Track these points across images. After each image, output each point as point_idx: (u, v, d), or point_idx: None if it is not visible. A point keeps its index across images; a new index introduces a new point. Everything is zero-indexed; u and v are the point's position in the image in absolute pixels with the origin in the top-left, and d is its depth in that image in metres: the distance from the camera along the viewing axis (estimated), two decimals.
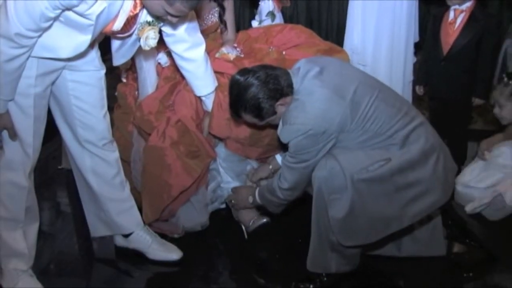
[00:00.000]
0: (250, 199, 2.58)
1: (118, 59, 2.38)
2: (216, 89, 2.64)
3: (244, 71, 2.29)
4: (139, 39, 2.19)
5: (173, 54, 2.51)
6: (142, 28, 2.16)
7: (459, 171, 2.47)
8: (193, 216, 2.75)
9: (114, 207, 2.54)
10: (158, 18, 2.13)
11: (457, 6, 2.95)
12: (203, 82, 2.59)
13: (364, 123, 2.18)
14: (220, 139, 2.75)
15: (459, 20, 2.96)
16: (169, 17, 2.06)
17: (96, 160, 2.44)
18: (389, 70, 3.43)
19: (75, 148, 2.43)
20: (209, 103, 2.64)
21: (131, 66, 2.92)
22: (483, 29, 2.94)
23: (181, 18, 2.19)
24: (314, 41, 2.91)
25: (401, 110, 2.23)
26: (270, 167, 2.73)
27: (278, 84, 2.22)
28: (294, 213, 2.73)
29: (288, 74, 2.27)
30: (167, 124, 2.67)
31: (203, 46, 2.50)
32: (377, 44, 3.42)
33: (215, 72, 2.66)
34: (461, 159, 3.16)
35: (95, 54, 2.32)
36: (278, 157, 2.71)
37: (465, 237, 2.59)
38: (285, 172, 2.32)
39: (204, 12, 2.93)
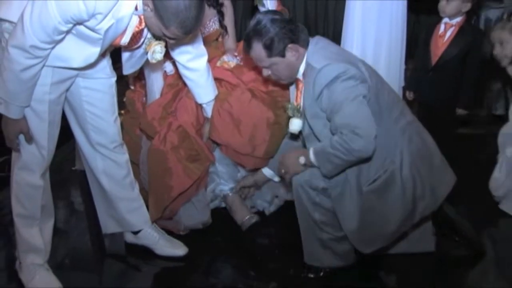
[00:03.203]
0: (302, 160, 2.25)
1: (128, 69, 2.40)
2: (216, 97, 2.65)
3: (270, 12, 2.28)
4: (146, 53, 2.21)
5: (177, 64, 2.52)
6: (150, 43, 2.18)
7: None
8: (194, 215, 2.75)
9: (124, 206, 2.54)
10: (156, 37, 2.15)
11: (447, 20, 2.95)
12: (204, 90, 2.60)
13: (377, 92, 2.19)
14: (218, 144, 2.76)
15: (448, 33, 2.97)
16: (166, 39, 2.08)
17: (108, 162, 2.45)
18: (386, 76, 3.44)
19: (88, 150, 2.45)
20: (209, 110, 2.65)
21: (138, 74, 2.93)
22: (470, 43, 2.94)
23: (180, 40, 2.22)
24: None
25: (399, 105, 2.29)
26: (254, 178, 2.74)
27: (295, 32, 2.20)
28: (292, 208, 2.74)
29: (307, 35, 2.26)
30: (168, 129, 2.68)
31: (206, 57, 2.52)
32: (376, 52, 3.43)
33: (215, 78, 2.67)
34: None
35: (106, 62, 2.33)
36: (265, 170, 2.70)
37: (454, 234, 2.58)
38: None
39: (205, 19, 2.95)
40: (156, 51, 2.19)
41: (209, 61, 2.66)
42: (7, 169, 2.62)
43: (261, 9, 3.41)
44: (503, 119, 3.54)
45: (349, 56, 2.26)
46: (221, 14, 3.00)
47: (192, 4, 1.89)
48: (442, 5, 2.94)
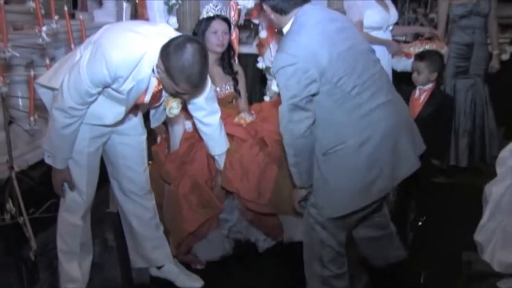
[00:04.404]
0: (296, 190, 2.22)
1: (154, 123, 2.44)
2: (228, 150, 2.66)
3: None
4: (165, 108, 2.25)
5: (194, 119, 2.53)
6: (167, 100, 2.21)
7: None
8: (209, 251, 2.75)
9: (150, 244, 2.56)
10: (173, 95, 2.16)
11: (421, 86, 3.09)
12: (217, 143, 2.59)
13: (340, 78, 1.97)
14: (230, 192, 2.74)
15: (422, 97, 3.08)
16: (179, 95, 2.10)
17: (137, 206, 2.49)
18: None
19: (121, 196, 2.50)
20: (221, 162, 2.65)
21: (165, 132, 3.02)
22: (440, 105, 3.05)
23: (191, 95, 2.23)
24: None
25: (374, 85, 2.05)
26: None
27: (281, 5, 2.06)
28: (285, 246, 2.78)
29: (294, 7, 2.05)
30: (182, 177, 2.70)
31: (219, 114, 2.51)
32: None
33: (228, 134, 2.67)
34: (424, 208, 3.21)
35: (138, 121, 2.40)
36: None
37: None
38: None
39: (221, 83, 3.03)
40: (173, 107, 2.21)
41: (225, 118, 2.71)
42: (54, 210, 2.70)
43: (268, 77, 3.49)
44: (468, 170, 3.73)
45: (319, 40, 1.98)
46: (235, 80, 3.07)
47: (195, 61, 1.90)
48: (414, 76, 3.09)
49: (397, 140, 2.05)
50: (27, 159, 3.48)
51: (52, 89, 2.21)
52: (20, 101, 3.57)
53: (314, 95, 1.99)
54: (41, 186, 3.20)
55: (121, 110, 2.15)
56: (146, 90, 2.11)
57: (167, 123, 2.84)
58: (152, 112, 2.37)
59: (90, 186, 2.35)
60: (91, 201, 2.40)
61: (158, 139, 3.10)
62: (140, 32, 2.01)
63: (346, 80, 1.98)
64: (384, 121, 2.03)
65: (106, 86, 2.03)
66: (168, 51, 1.90)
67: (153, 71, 2.02)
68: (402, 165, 2.08)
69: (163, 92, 2.18)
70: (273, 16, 2.11)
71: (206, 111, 2.44)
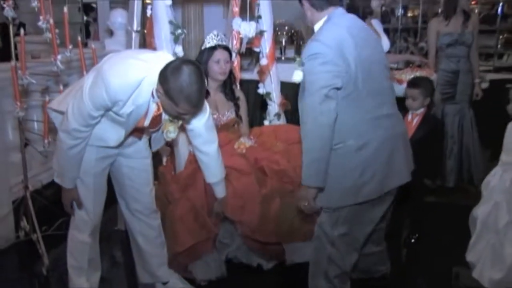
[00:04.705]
0: (306, 189, 2.11)
1: (154, 146, 2.46)
2: (231, 179, 2.63)
3: None
4: (163, 132, 2.26)
5: (192, 147, 2.51)
6: (165, 124, 2.22)
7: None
8: (205, 271, 2.71)
9: (156, 261, 2.58)
10: (175, 117, 2.17)
11: (414, 111, 3.14)
12: (213, 172, 2.48)
13: (358, 79, 2.00)
14: (232, 222, 2.70)
15: (415, 121, 3.12)
16: (181, 116, 2.10)
17: (143, 225, 2.52)
18: None
19: (128, 215, 2.53)
20: (217, 190, 2.54)
21: (170, 153, 3.05)
22: (432, 128, 3.10)
23: (192, 116, 2.21)
24: None
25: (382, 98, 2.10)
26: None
27: (320, 3, 2.11)
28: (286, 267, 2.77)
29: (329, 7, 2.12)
30: (180, 199, 2.71)
31: (216, 143, 2.42)
32: None
33: (230, 167, 2.63)
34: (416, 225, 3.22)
35: (143, 145, 2.43)
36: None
37: None
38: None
39: (224, 110, 3.06)
40: (170, 131, 2.22)
41: (227, 144, 2.73)
42: (64, 228, 2.73)
43: (270, 102, 3.52)
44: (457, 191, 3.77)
45: (348, 40, 2.01)
46: (237, 106, 3.11)
47: (192, 81, 1.90)
48: (409, 102, 3.15)
49: (393, 150, 2.09)
50: (41, 179, 3.54)
51: (62, 113, 2.23)
52: (36, 125, 3.63)
53: (337, 89, 1.99)
54: (53, 205, 3.22)
55: (122, 132, 2.19)
56: (146, 114, 2.13)
57: (173, 145, 2.87)
58: (153, 136, 2.40)
59: (97, 205, 2.37)
60: (99, 220, 2.43)
61: (164, 160, 3.15)
62: (140, 58, 2.04)
63: (363, 83, 2.02)
64: (384, 131, 2.07)
65: (107, 109, 2.06)
66: (165, 74, 1.93)
67: (152, 95, 2.04)
68: (394, 175, 2.11)
69: (163, 116, 2.19)
70: (309, 12, 2.16)
71: (204, 139, 2.37)
